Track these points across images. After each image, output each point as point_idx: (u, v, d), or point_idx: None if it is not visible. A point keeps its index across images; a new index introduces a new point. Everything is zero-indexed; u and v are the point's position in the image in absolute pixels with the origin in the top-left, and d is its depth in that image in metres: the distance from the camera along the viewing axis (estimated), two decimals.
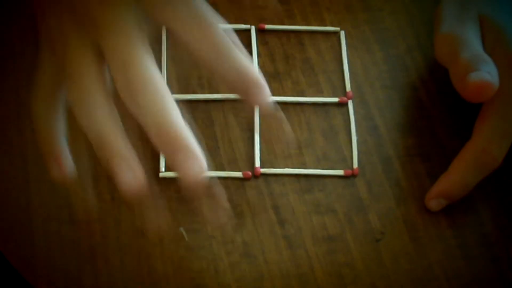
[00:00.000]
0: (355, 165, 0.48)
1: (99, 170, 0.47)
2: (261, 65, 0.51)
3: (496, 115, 0.45)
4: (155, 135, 0.37)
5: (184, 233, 0.45)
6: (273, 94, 0.50)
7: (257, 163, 0.48)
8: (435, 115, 0.50)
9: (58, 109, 0.40)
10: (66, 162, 0.40)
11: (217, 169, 0.48)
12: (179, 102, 0.50)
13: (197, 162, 0.36)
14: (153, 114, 0.37)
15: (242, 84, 0.39)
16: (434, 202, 0.46)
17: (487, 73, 0.44)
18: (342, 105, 0.50)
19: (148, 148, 0.48)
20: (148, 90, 0.37)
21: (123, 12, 0.38)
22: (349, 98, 0.50)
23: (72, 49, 0.38)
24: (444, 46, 0.47)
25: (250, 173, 0.47)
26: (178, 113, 0.37)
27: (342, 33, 0.53)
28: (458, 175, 0.46)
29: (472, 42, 0.46)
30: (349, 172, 0.48)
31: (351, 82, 0.51)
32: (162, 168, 0.47)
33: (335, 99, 0.50)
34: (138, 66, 0.37)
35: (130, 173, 0.37)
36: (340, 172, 0.48)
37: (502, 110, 0.45)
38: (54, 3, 0.40)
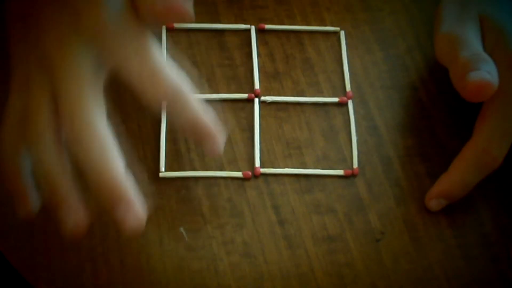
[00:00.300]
0: (355, 165, 0.48)
1: None
2: (261, 65, 0.51)
3: (497, 115, 0.45)
4: (96, 188, 0.38)
5: (184, 233, 0.45)
6: (273, 94, 0.50)
7: (257, 163, 0.48)
8: (435, 115, 0.50)
9: (22, 147, 0.40)
10: (32, 200, 0.40)
11: (217, 169, 0.48)
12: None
13: (135, 214, 0.39)
14: (95, 168, 0.38)
15: (195, 133, 0.42)
16: (434, 202, 0.46)
17: (487, 73, 0.44)
18: (342, 105, 0.50)
19: (148, 148, 0.48)
20: (90, 145, 0.38)
21: (79, 54, 0.39)
22: (349, 98, 0.50)
23: (32, 87, 0.39)
24: (444, 45, 0.47)
25: (250, 173, 0.47)
26: (120, 166, 0.39)
27: (342, 33, 0.53)
28: (459, 175, 0.46)
29: (472, 42, 0.46)
30: (349, 172, 0.48)
31: (351, 82, 0.51)
32: (162, 168, 0.47)
33: (335, 99, 0.50)
34: (83, 118, 0.38)
35: (73, 216, 0.39)
36: (340, 172, 0.48)
37: (503, 110, 0.45)
38: (24, 36, 0.40)
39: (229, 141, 0.49)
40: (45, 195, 0.39)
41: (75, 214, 0.39)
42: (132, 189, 0.39)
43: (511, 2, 0.49)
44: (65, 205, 0.39)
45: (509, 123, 0.45)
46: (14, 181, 0.40)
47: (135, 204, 0.39)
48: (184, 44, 0.52)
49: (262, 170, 0.47)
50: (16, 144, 0.40)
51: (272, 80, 0.51)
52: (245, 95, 0.50)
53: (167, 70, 0.40)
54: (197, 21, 0.52)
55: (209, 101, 0.50)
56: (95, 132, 0.38)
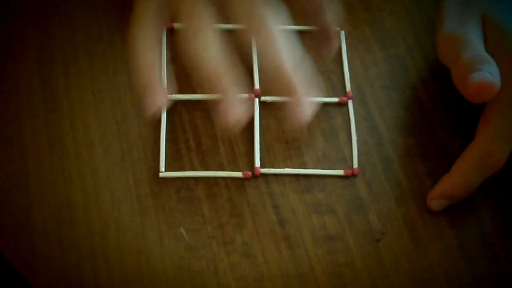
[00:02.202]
0: (355, 165, 0.48)
1: (98, 170, 0.47)
2: (261, 65, 0.51)
3: (500, 116, 0.45)
4: (274, 76, 0.42)
5: (184, 233, 0.45)
6: (273, 94, 0.50)
7: (257, 163, 0.48)
8: (435, 115, 0.50)
9: (158, 42, 0.43)
10: (161, 95, 0.43)
11: (217, 169, 0.48)
12: (179, 102, 0.50)
13: (305, 108, 0.43)
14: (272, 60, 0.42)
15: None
16: (435, 203, 0.46)
17: (489, 74, 0.43)
18: (342, 105, 0.50)
19: (148, 148, 0.48)
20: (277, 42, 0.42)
21: None
22: (349, 98, 0.50)
23: None
24: (446, 45, 0.47)
25: (250, 173, 0.47)
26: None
27: (342, 33, 0.53)
28: (461, 176, 0.46)
29: (474, 43, 0.46)
30: (349, 172, 0.48)
31: (351, 82, 0.51)
32: (162, 168, 0.47)
33: (335, 99, 0.50)
34: (270, 25, 0.42)
35: (233, 109, 0.42)
36: (340, 172, 0.48)
37: (506, 111, 0.45)
38: None
39: (229, 141, 0.49)
40: (208, 88, 0.42)
41: (235, 107, 0.42)
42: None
43: None
44: (228, 99, 0.42)
45: None
46: (149, 74, 0.42)
47: (305, 102, 0.42)
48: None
49: (262, 170, 0.48)
50: (151, 38, 0.43)
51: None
52: (245, 95, 0.50)
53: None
54: None
55: (209, 101, 0.50)
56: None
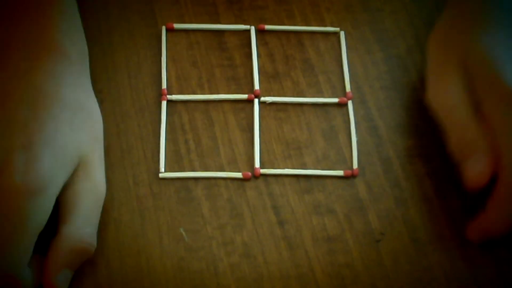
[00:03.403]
0: (355, 165, 0.48)
1: None
2: (261, 66, 0.51)
3: None
4: None
5: (184, 233, 0.45)
6: (273, 95, 0.50)
7: (257, 164, 0.48)
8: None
9: None
10: None
11: (217, 169, 0.48)
12: (178, 102, 0.50)
13: None
14: None
15: None
16: (476, 238, 0.45)
17: (476, 164, 0.44)
18: (342, 105, 0.50)
19: (148, 148, 0.48)
20: None
21: None
22: (349, 99, 0.50)
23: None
24: (435, 108, 0.47)
25: (250, 173, 0.47)
26: None
27: (342, 34, 0.53)
28: (499, 214, 0.44)
29: (458, 117, 0.45)
30: (349, 172, 0.48)
31: (351, 83, 0.51)
32: (162, 169, 0.47)
33: (335, 100, 0.50)
34: None
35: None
36: (340, 172, 0.48)
37: None
38: None
39: (229, 141, 0.49)
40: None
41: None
42: None
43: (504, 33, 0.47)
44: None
45: None
46: None
47: None
48: (184, 44, 0.52)
49: (262, 171, 0.47)
50: None
51: (272, 81, 0.51)
52: (245, 96, 0.50)
53: None
54: (197, 22, 0.53)
55: (209, 102, 0.50)
56: None
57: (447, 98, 0.46)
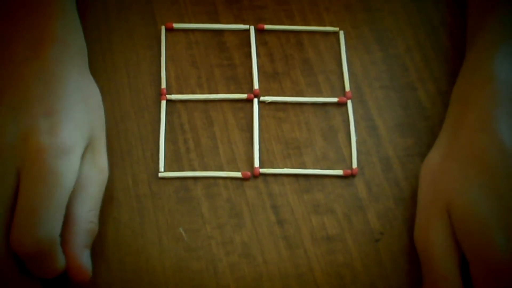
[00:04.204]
0: (354, 165, 0.48)
1: None
2: (260, 65, 0.51)
3: None
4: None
5: (183, 233, 0.45)
6: (272, 94, 0.50)
7: (256, 163, 0.48)
8: (434, 115, 0.50)
9: None
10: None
11: (216, 169, 0.48)
12: (178, 102, 0.50)
13: None
14: None
15: None
16: None
17: None
18: (341, 105, 0.50)
19: (148, 148, 0.48)
20: None
21: None
22: (348, 98, 0.50)
23: None
24: (418, 249, 0.44)
25: (249, 173, 0.47)
26: None
27: (341, 33, 0.53)
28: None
29: (438, 259, 0.42)
30: (348, 172, 0.48)
31: (350, 82, 0.51)
32: (162, 168, 0.47)
33: (334, 99, 0.50)
34: None
35: None
36: (339, 172, 0.48)
37: None
38: None
39: (228, 141, 0.49)
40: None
41: None
42: None
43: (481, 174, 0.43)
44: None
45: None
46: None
47: None
48: (184, 44, 0.52)
49: (261, 170, 0.48)
50: None
51: (271, 80, 0.51)
52: (244, 95, 0.50)
53: None
54: (196, 21, 0.53)
55: (208, 101, 0.50)
56: None
57: (429, 243, 0.43)
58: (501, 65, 0.45)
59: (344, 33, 0.53)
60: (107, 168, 0.45)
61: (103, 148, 0.45)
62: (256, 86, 0.50)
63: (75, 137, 0.42)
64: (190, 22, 0.52)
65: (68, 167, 0.40)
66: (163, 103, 0.49)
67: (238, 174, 0.47)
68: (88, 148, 0.43)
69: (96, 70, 0.50)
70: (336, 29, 0.53)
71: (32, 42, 0.44)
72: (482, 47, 0.47)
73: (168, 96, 0.49)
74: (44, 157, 0.40)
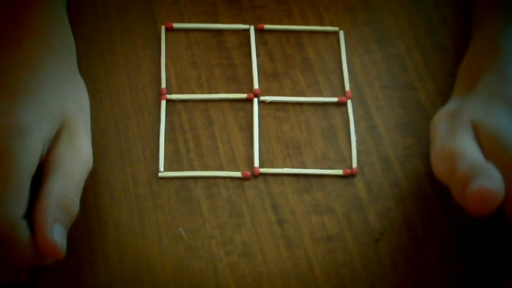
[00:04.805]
0: (354, 165, 0.48)
1: (97, 170, 0.47)
2: (260, 65, 0.51)
3: None
4: None
5: (183, 233, 0.45)
6: (272, 94, 0.50)
7: (256, 163, 0.48)
8: (434, 115, 0.50)
9: None
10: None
11: (216, 169, 0.48)
12: (178, 102, 0.50)
13: None
14: None
15: None
16: None
17: (488, 179, 0.39)
18: (341, 105, 0.50)
19: (148, 148, 0.48)
20: None
21: None
22: (348, 98, 0.50)
23: None
24: (441, 163, 0.43)
25: (249, 173, 0.47)
26: None
27: (341, 33, 0.53)
28: None
29: (468, 152, 0.41)
30: (348, 172, 0.48)
31: (350, 82, 0.51)
32: (162, 168, 0.47)
33: (334, 99, 0.50)
34: None
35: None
36: (339, 172, 0.48)
37: None
38: None
39: (228, 141, 0.49)
40: None
41: None
42: None
43: (506, 105, 0.44)
44: None
45: None
46: None
47: None
48: (183, 44, 0.52)
49: (261, 170, 0.48)
50: None
51: (271, 80, 0.51)
52: (244, 95, 0.50)
53: None
54: (196, 21, 0.53)
55: (208, 101, 0.50)
56: None
57: (457, 148, 0.42)
58: (510, 39, 0.46)
59: (344, 33, 0.53)
60: (88, 152, 0.44)
61: (83, 130, 0.45)
62: (256, 86, 0.50)
63: (34, 119, 0.41)
64: (190, 22, 0.53)
65: (25, 148, 0.40)
66: (163, 103, 0.49)
67: (238, 174, 0.47)
68: (63, 129, 0.43)
69: (96, 70, 0.50)
70: (336, 29, 0.53)
71: (10, 34, 0.44)
72: (490, 25, 0.47)
73: (168, 96, 0.50)
74: None
